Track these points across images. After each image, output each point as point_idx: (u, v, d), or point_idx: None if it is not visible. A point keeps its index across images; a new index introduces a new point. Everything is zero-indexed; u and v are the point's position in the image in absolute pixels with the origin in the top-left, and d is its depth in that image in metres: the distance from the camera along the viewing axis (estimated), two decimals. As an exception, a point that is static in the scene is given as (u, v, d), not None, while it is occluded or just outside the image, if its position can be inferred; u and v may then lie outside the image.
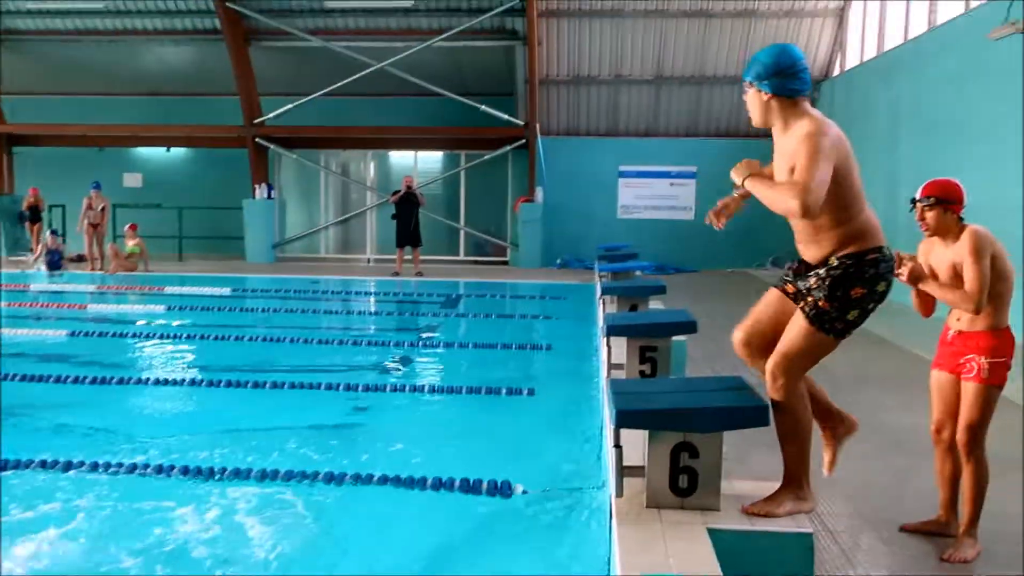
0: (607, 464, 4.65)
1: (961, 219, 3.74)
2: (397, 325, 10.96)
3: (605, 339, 5.51)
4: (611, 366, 5.30)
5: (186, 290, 13.06)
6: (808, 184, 2.93)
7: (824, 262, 3.18)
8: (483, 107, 17.08)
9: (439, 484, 4.56)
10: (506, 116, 17.25)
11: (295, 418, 6.08)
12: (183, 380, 7.27)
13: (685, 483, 3.18)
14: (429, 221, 16.43)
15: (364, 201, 19.29)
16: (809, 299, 3.18)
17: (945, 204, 3.71)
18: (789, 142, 3.13)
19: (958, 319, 3.77)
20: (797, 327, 3.19)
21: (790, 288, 3.34)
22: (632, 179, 18.21)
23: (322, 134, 18.18)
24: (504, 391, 6.54)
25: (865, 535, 3.94)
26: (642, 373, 5.20)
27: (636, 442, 3.34)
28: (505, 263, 18.39)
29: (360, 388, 6.79)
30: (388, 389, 6.90)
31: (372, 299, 13.74)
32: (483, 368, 7.86)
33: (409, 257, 15.81)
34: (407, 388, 6.90)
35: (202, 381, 7.15)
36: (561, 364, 7.90)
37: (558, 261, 17.83)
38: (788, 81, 3.13)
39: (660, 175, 18.12)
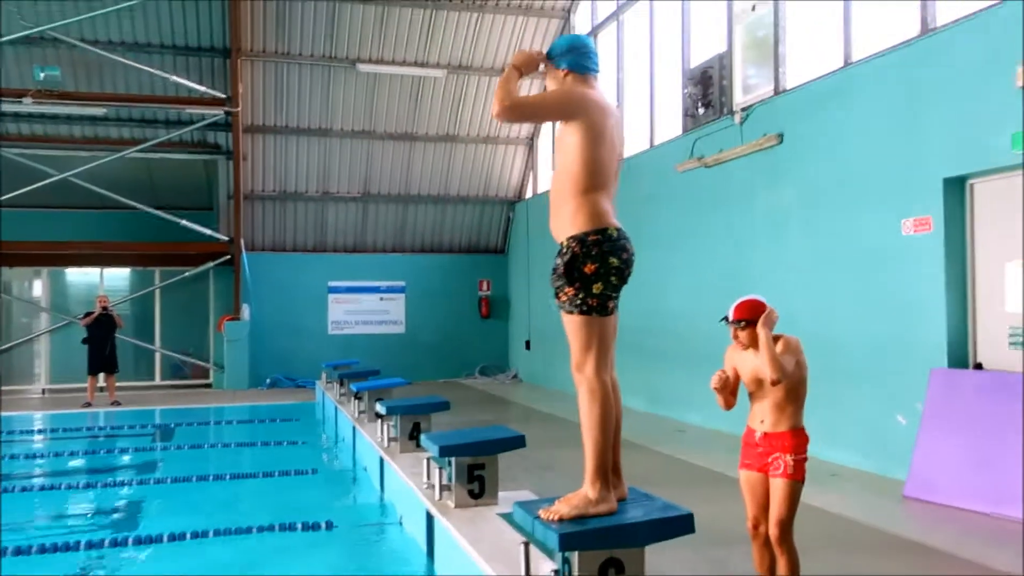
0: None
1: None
2: (120, 463, 9.62)
3: (426, 460, 5.44)
4: (442, 487, 5.22)
5: None
6: (516, 97, 3.48)
7: (560, 246, 3.51)
8: (183, 222, 16.10)
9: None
10: (208, 231, 16.43)
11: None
12: None
13: (613, 599, 3.24)
14: (118, 343, 14.80)
15: (34, 325, 17.07)
16: (561, 296, 3.48)
17: (755, 323, 4.16)
18: None
19: (762, 421, 4.17)
20: (569, 325, 3.49)
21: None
22: (342, 294, 18.14)
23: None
24: (299, 526, 6.06)
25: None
26: (471, 492, 5.19)
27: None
28: (208, 386, 17.18)
29: (103, 544, 5.78)
30: (147, 541, 5.90)
31: (69, 436, 11.97)
32: (257, 501, 7.19)
33: (103, 385, 14.21)
34: (176, 537, 5.92)
35: None
36: (339, 490, 7.53)
37: (268, 380, 17.06)
38: (581, 58, 3.69)
39: (370, 290, 18.26)
